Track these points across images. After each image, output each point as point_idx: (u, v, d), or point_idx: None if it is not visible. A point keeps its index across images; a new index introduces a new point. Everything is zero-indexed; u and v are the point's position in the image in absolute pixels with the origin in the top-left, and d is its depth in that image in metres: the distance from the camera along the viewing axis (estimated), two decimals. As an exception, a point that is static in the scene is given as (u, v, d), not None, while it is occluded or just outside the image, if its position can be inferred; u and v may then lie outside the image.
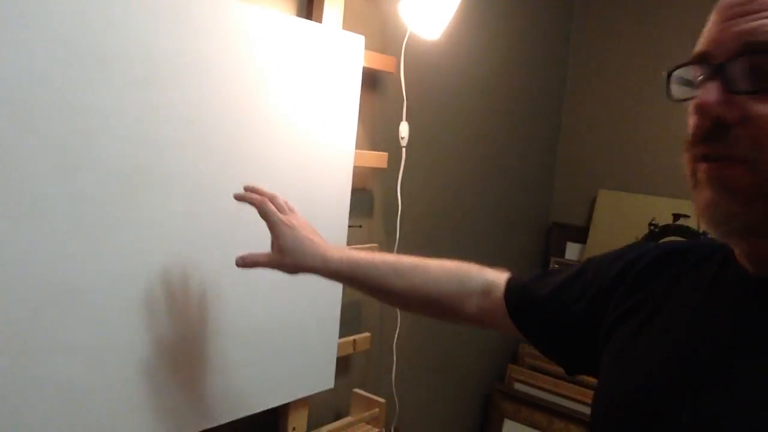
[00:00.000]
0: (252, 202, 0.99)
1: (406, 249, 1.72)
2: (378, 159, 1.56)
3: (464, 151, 1.95)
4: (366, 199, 1.62)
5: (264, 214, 0.98)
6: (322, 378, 1.43)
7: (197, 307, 1.15)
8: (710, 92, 0.52)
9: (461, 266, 0.96)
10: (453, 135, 1.89)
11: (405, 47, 1.54)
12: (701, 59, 0.55)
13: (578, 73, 2.47)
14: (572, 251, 2.43)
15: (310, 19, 1.37)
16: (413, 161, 1.68)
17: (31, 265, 0.92)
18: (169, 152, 1.07)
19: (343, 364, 1.58)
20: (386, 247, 1.66)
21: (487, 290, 0.91)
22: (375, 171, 1.61)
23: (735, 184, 0.52)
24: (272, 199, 1.01)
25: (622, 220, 2.29)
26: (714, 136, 0.53)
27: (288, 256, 0.96)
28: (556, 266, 2.38)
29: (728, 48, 0.53)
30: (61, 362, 0.97)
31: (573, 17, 2.45)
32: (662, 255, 0.72)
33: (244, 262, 0.99)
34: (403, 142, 1.59)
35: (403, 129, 1.58)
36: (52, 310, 0.95)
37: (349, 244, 1.46)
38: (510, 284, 0.89)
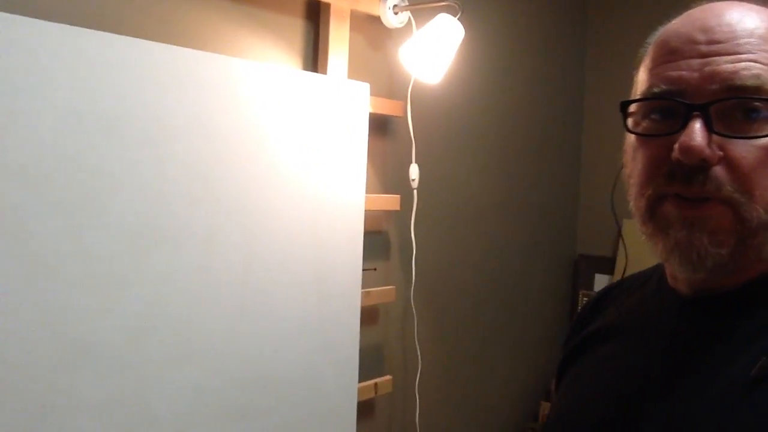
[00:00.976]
0: None
1: (423, 290, 1.72)
2: (390, 202, 1.57)
3: (479, 188, 1.95)
4: (381, 242, 1.63)
5: None
6: (343, 425, 1.42)
7: (212, 359, 1.17)
8: (698, 134, 0.52)
9: None
10: (466, 173, 1.90)
11: (411, 91, 1.57)
12: (670, 95, 0.55)
13: (596, 101, 2.46)
14: (600, 283, 2.38)
15: (316, 71, 1.42)
16: (426, 202, 1.69)
17: (45, 324, 0.96)
18: (179, 208, 1.11)
19: (365, 409, 1.57)
20: (403, 288, 1.66)
21: None
22: (388, 213, 1.63)
23: (716, 225, 0.53)
24: None
25: (648, 248, 2.24)
26: (693, 177, 0.53)
27: None
28: (585, 299, 2.34)
29: (710, 89, 0.53)
30: (77, 420, 0.99)
31: (586, 45, 2.46)
32: (605, 291, 0.76)
33: None
34: (414, 184, 1.60)
35: (413, 171, 1.60)
36: (67, 369, 0.98)
37: (364, 287, 1.47)
38: None
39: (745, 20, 0.54)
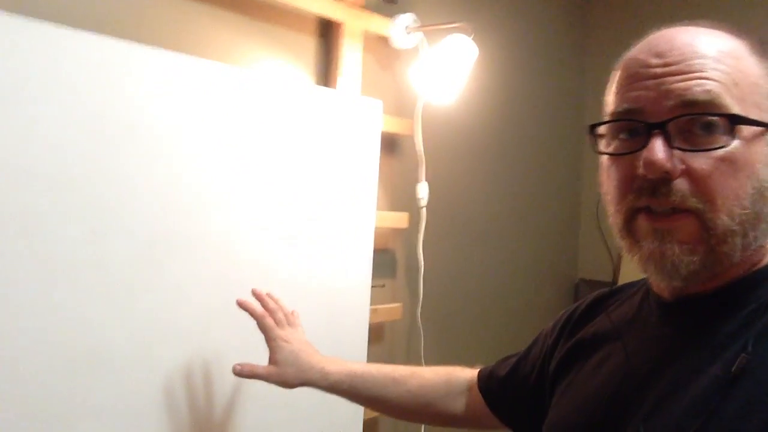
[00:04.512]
0: (252, 314, 1.00)
1: (430, 308, 1.71)
2: (398, 219, 1.58)
3: (485, 208, 1.96)
4: (388, 259, 1.63)
5: (262, 329, 1.00)
6: (348, 443, 1.40)
7: (224, 371, 1.16)
8: (658, 149, 0.57)
9: (449, 369, 0.98)
10: (473, 193, 1.91)
11: (421, 110, 1.59)
12: (631, 115, 0.60)
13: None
14: (601, 307, 2.39)
15: (329, 87, 1.43)
16: (434, 220, 1.70)
17: (60, 329, 0.95)
18: (194, 218, 1.11)
19: (369, 430, 1.55)
20: (410, 305, 1.65)
21: (469, 386, 0.94)
22: (396, 231, 1.63)
23: (685, 235, 0.57)
24: (272, 313, 1.02)
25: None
26: (658, 190, 0.57)
27: (287, 369, 0.96)
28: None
29: (666, 106, 0.57)
30: (88, 427, 0.98)
31: (585, 69, 2.50)
32: (596, 298, 0.79)
33: (242, 371, 0.96)
34: (422, 203, 1.61)
35: (421, 189, 1.61)
36: (80, 375, 0.97)
37: (372, 304, 1.47)
38: (480, 373, 0.93)
39: (695, 43, 0.59)
